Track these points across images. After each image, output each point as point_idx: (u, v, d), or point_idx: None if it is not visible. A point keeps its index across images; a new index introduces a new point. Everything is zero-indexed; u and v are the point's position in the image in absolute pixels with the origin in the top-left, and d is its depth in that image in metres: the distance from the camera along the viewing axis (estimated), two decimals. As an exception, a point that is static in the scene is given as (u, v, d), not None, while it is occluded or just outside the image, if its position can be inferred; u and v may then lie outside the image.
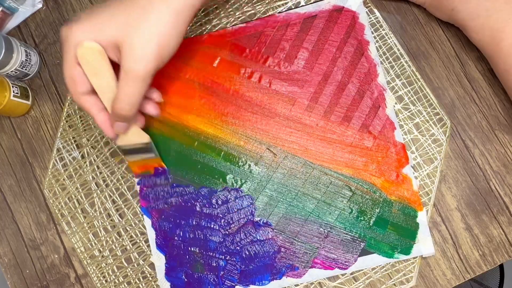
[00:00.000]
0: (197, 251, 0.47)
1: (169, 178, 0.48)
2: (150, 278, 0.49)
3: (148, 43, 0.34)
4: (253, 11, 0.50)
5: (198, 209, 0.48)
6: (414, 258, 0.46)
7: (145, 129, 0.47)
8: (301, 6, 0.49)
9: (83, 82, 0.37)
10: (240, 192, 0.48)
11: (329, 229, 0.46)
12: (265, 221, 0.47)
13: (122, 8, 0.34)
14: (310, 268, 0.46)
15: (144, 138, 0.45)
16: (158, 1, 0.34)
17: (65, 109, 0.52)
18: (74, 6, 0.54)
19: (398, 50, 0.48)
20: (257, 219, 0.47)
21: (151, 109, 0.44)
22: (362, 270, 0.46)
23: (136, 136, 0.44)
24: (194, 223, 0.48)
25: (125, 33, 0.33)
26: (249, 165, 0.48)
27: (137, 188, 0.49)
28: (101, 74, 0.36)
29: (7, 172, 0.53)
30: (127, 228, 0.50)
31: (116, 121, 0.39)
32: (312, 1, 0.49)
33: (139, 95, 0.36)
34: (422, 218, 0.45)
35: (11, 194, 0.53)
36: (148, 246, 0.49)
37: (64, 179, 0.52)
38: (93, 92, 0.38)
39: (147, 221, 0.49)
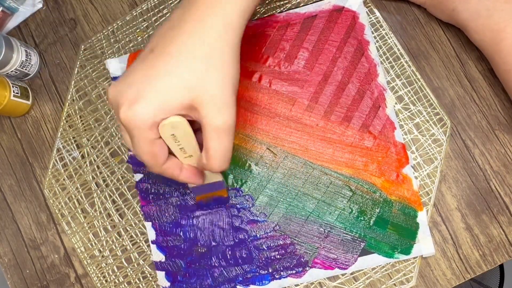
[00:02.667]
0: (198, 250, 0.47)
1: None
2: (150, 278, 0.49)
3: (222, 90, 0.30)
4: (253, 11, 0.50)
5: (197, 209, 0.48)
6: (414, 258, 0.46)
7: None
8: (301, 6, 0.49)
9: (163, 153, 0.33)
10: (240, 192, 0.48)
11: (329, 229, 0.46)
12: (265, 219, 0.47)
13: (174, 63, 0.30)
14: (310, 268, 0.46)
15: (218, 177, 0.42)
16: (200, 35, 0.30)
17: (65, 109, 0.52)
18: (74, 6, 0.54)
19: (398, 50, 0.48)
20: (257, 218, 0.47)
21: None
22: (362, 270, 0.46)
23: (210, 176, 0.41)
24: (194, 222, 0.48)
25: (196, 92, 0.30)
26: (249, 165, 0.48)
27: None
28: (183, 139, 0.33)
29: (7, 172, 0.53)
30: (127, 228, 0.50)
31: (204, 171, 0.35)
32: (312, 1, 0.49)
33: (232, 146, 0.32)
34: (422, 218, 0.45)
35: (11, 194, 0.53)
36: (148, 246, 0.49)
37: (64, 179, 0.52)
38: (169, 154, 0.35)
39: (148, 222, 0.49)
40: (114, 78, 0.50)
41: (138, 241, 0.50)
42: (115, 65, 0.51)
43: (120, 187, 0.50)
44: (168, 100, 0.29)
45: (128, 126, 0.30)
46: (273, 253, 0.47)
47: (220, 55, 0.31)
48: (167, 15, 0.52)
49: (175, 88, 0.29)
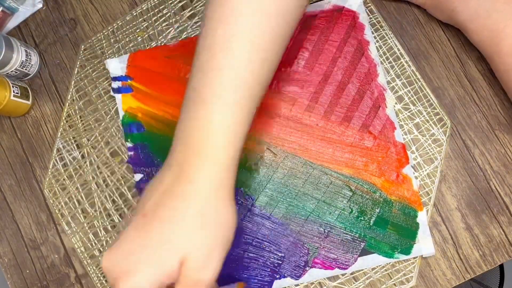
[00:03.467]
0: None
1: None
2: (150, 278, 0.49)
3: (210, 248, 0.31)
4: (253, 11, 0.50)
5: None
6: (414, 258, 0.46)
7: (145, 131, 0.47)
8: (301, 6, 0.49)
9: None
10: (240, 192, 0.48)
11: (329, 229, 0.46)
12: (266, 217, 0.47)
13: (167, 231, 0.30)
14: (310, 268, 0.46)
15: None
16: (200, 194, 0.31)
17: (65, 109, 0.52)
18: (74, 6, 0.54)
19: (398, 50, 0.48)
20: (257, 218, 0.47)
21: None
22: (362, 270, 0.46)
23: None
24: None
25: (185, 250, 0.30)
26: (249, 165, 0.48)
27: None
28: None
29: (7, 172, 0.53)
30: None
31: None
32: (312, 1, 0.49)
33: None
34: (422, 218, 0.45)
35: (11, 194, 0.53)
36: (148, 246, 0.49)
37: (64, 179, 0.52)
38: None
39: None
40: (114, 78, 0.50)
41: (138, 241, 0.50)
42: (115, 65, 0.51)
43: (120, 187, 0.50)
44: (163, 270, 0.30)
45: None
46: (273, 253, 0.47)
47: (212, 213, 0.31)
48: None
49: (169, 257, 0.30)
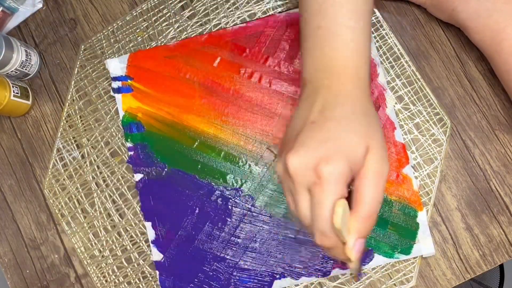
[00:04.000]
0: (198, 249, 0.47)
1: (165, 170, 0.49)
2: (150, 278, 0.49)
3: (383, 141, 0.33)
4: (253, 11, 0.50)
5: (197, 209, 0.48)
6: (414, 258, 0.46)
7: (147, 130, 0.47)
8: (301, 6, 0.49)
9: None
10: (240, 192, 0.48)
11: (329, 229, 0.46)
12: (266, 216, 0.47)
13: (345, 123, 0.33)
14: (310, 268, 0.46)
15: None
16: (356, 97, 0.34)
17: (65, 109, 0.52)
18: (74, 6, 0.54)
19: (398, 50, 0.48)
20: (256, 218, 0.47)
21: None
22: (362, 270, 0.46)
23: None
24: (193, 221, 0.48)
25: (367, 138, 0.32)
26: (249, 165, 0.48)
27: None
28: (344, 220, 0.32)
29: (7, 172, 0.53)
30: (127, 228, 0.50)
31: (359, 238, 0.33)
32: (312, 1, 0.49)
33: (382, 200, 0.33)
34: (422, 218, 0.45)
35: (11, 194, 0.53)
36: (148, 246, 0.49)
37: (64, 179, 0.52)
38: None
39: (148, 222, 0.49)
40: (114, 78, 0.50)
41: (138, 241, 0.50)
42: (115, 65, 0.51)
43: (120, 187, 0.50)
44: (353, 157, 0.31)
45: (328, 181, 0.31)
46: (273, 253, 0.47)
47: (372, 112, 0.34)
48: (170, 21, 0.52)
49: (357, 144, 0.32)
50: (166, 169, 0.49)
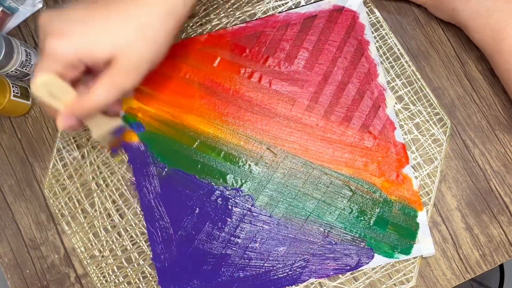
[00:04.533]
0: (198, 249, 0.48)
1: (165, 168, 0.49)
2: (150, 278, 0.49)
3: (140, 61, 0.34)
4: (253, 11, 0.50)
5: (197, 208, 0.48)
6: (414, 258, 0.46)
7: (146, 131, 0.47)
8: (301, 6, 0.49)
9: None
10: (240, 192, 0.48)
11: (329, 229, 0.46)
12: (266, 216, 0.47)
13: (114, 18, 0.33)
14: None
15: (116, 121, 0.44)
16: (146, 6, 0.33)
17: (65, 109, 0.52)
18: (74, 6, 0.54)
19: (398, 50, 0.48)
20: (256, 218, 0.47)
21: (116, 107, 0.42)
22: (362, 270, 0.46)
23: (108, 122, 0.43)
24: (193, 221, 0.48)
25: (118, 50, 0.33)
26: (249, 165, 0.48)
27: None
28: (60, 92, 0.35)
29: (7, 172, 0.53)
30: (127, 228, 0.50)
31: (75, 115, 0.37)
32: (312, 1, 0.49)
33: (112, 102, 0.35)
34: (422, 218, 0.45)
35: (11, 194, 0.53)
36: (148, 246, 0.49)
37: (64, 179, 0.52)
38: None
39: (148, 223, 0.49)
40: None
41: (138, 241, 0.50)
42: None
43: (120, 187, 0.50)
44: (93, 48, 0.32)
45: (47, 54, 0.32)
46: (273, 253, 0.47)
47: (153, 32, 0.33)
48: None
49: (104, 41, 0.32)
50: (166, 169, 0.49)
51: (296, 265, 0.46)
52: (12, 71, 0.50)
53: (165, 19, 0.34)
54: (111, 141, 0.47)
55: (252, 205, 0.47)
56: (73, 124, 0.37)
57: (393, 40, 0.48)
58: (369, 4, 0.49)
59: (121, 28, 0.33)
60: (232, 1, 0.51)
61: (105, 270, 0.50)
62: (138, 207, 0.50)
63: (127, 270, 0.49)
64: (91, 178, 0.51)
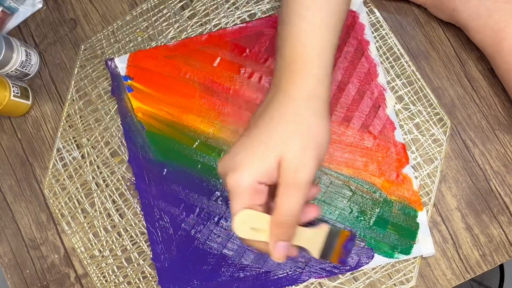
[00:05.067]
0: (198, 249, 0.47)
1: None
2: (150, 278, 0.49)
3: (303, 151, 0.33)
4: (253, 11, 0.50)
5: (197, 209, 0.48)
6: (414, 258, 0.46)
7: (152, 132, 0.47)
8: (301, 6, 0.49)
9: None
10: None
11: (329, 229, 0.46)
12: None
13: (265, 133, 0.34)
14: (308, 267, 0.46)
15: (323, 230, 0.37)
16: (293, 104, 0.34)
17: (65, 109, 0.52)
18: (74, 6, 0.54)
19: (398, 50, 0.48)
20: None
21: (312, 212, 0.38)
22: (362, 270, 0.46)
23: (317, 233, 0.37)
24: (193, 221, 0.48)
25: (280, 152, 0.33)
26: (249, 165, 0.48)
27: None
28: (260, 222, 0.35)
29: (7, 172, 0.53)
30: (127, 228, 0.50)
31: (278, 241, 0.35)
32: (312, 1, 0.49)
33: (300, 207, 0.34)
34: (422, 218, 0.45)
35: (11, 194, 0.53)
36: (148, 246, 0.49)
37: (64, 179, 0.52)
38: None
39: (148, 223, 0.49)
40: (113, 78, 0.50)
41: (138, 241, 0.50)
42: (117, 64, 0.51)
43: (120, 187, 0.50)
44: (263, 167, 0.33)
45: (232, 191, 0.33)
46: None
47: (303, 120, 0.34)
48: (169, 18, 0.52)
49: (267, 155, 0.33)
50: (166, 169, 0.49)
51: (296, 265, 0.46)
52: (12, 71, 0.50)
53: (309, 105, 0.34)
54: (335, 251, 0.38)
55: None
56: (288, 251, 0.35)
57: (393, 40, 0.48)
58: (369, 4, 0.49)
59: (275, 135, 0.34)
60: (232, 1, 0.51)
61: (105, 270, 0.50)
62: (138, 207, 0.50)
63: (127, 270, 0.49)
64: (91, 178, 0.51)
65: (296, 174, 0.33)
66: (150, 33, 0.52)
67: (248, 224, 0.34)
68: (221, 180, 0.40)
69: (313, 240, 0.37)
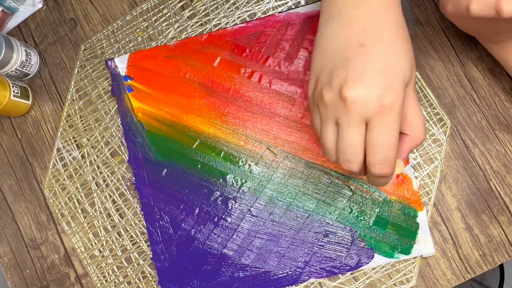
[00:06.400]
0: (198, 249, 0.48)
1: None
2: (150, 278, 0.49)
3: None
4: (253, 11, 0.50)
5: (197, 208, 0.48)
6: (414, 258, 0.46)
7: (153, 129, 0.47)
8: (301, 6, 0.49)
9: None
10: (240, 192, 0.48)
11: (329, 229, 0.46)
12: (266, 216, 0.47)
13: (396, 48, 0.33)
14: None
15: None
16: (401, 22, 0.34)
17: (65, 109, 0.52)
18: (74, 6, 0.54)
19: (398, 50, 0.48)
20: (256, 218, 0.47)
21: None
22: (362, 270, 0.46)
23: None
24: (193, 221, 0.48)
25: (413, 66, 0.34)
26: (249, 165, 0.48)
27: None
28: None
29: (7, 172, 0.53)
30: (127, 228, 0.50)
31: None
32: (312, 1, 0.49)
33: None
34: (422, 218, 0.45)
35: (11, 194, 0.53)
36: (148, 246, 0.49)
37: (64, 179, 0.52)
38: None
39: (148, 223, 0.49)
40: (113, 78, 0.50)
41: (138, 241, 0.50)
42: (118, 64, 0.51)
43: (120, 187, 0.50)
44: (407, 80, 0.32)
45: (390, 111, 0.31)
46: (273, 253, 0.47)
47: (407, 33, 0.34)
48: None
49: (408, 69, 0.32)
50: (166, 169, 0.49)
51: (296, 265, 0.46)
52: (12, 71, 0.50)
53: (404, 24, 0.35)
54: None
55: (252, 205, 0.47)
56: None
57: (393, 40, 0.48)
58: (369, 4, 0.49)
59: (406, 49, 0.33)
60: (232, 1, 0.51)
61: (105, 270, 0.50)
62: (138, 207, 0.50)
63: (127, 270, 0.49)
64: (91, 178, 0.51)
65: (415, 87, 0.34)
66: (150, 33, 0.52)
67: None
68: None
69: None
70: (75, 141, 0.52)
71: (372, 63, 0.31)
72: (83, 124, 0.52)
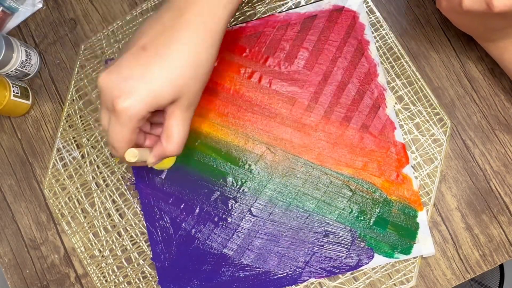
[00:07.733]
0: (198, 249, 0.48)
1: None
2: (150, 278, 0.49)
3: (198, 92, 0.37)
4: (253, 11, 0.50)
5: (197, 208, 0.48)
6: (414, 258, 0.46)
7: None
8: (301, 6, 0.49)
9: (134, 141, 0.38)
10: (240, 192, 0.48)
11: (329, 229, 0.46)
12: (266, 216, 0.47)
13: (167, 68, 0.34)
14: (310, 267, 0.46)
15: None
16: (198, 43, 0.35)
17: (65, 109, 0.52)
18: (74, 6, 0.54)
19: (398, 50, 0.48)
20: (256, 218, 0.47)
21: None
22: (362, 270, 0.46)
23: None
24: (193, 221, 0.48)
25: (180, 91, 0.35)
26: (249, 165, 0.48)
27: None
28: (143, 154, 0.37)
29: (7, 172, 0.53)
30: (127, 228, 0.50)
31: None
32: (312, 1, 0.49)
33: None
34: (422, 218, 0.45)
35: (11, 194, 0.53)
36: (148, 246, 0.49)
37: (64, 179, 0.52)
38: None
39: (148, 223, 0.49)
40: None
41: (138, 241, 0.50)
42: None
43: (120, 187, 0.50)
44: (158, 98, 0.34)
45: (121, 116, 0.34)
46: (273, 253, 0.47)
47: (205, 65, 0.36)
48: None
49: (167, 89, 0.34)
50: (166, 169, 0.49)
51: (296, 265, 0.46)
52: (12, 71, 0.50)
53: (211, 48, 0.36)
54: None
55: (252, 205, 0.47)
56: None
57: (393, 40, 0.48)
58: (369, 4, 0.49)
59: (178, 73, 0.34)
60: (232, 1, 0.51)
61: (105, 270, 0.50)
62: (138, 207, 0.50)
63: (127, 270, 0.49)
64: (91, 178, 0.51)
65: (188, 110, 0.36)
66: (150, 33, 0.52)
67: (136, 157, 0.36)
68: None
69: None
70: (75, 141, 0.52)
71: (132, 65, 0.34)
72: (83, 124, 0.52)
